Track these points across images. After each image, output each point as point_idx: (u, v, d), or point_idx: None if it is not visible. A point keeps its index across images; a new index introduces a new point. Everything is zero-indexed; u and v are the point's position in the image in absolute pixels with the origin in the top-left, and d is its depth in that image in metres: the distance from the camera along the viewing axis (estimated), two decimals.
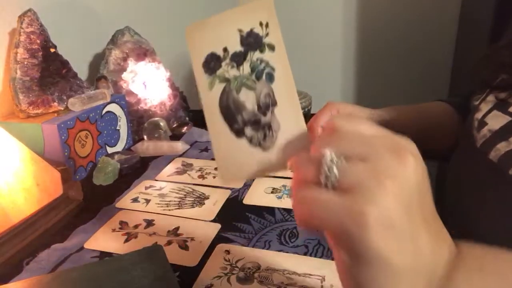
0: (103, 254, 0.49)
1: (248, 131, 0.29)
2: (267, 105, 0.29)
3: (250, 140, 0.29)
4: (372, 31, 1.43)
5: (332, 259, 0.47)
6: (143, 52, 0.87)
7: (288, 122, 0.29)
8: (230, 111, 0.29)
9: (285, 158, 0.28)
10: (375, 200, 0.21)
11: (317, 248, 0.49)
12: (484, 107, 0.48)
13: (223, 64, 0.29)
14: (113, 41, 0.84)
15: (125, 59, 0.84)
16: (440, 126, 0.65)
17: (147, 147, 0.78)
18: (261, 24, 0.29)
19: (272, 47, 0.29)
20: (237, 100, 0.29)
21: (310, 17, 1.49)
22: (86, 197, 0.62)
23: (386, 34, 1.42)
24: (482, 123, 0.47)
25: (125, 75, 0.84)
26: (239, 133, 0.29)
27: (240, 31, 0.29)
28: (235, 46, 0.29)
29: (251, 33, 0.29)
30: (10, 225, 0.49)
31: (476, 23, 1.18)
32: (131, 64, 0.85)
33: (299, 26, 1.49)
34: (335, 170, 0.22)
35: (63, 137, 0.65)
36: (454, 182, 0.53)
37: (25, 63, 0.67)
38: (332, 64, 1.52)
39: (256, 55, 0.29)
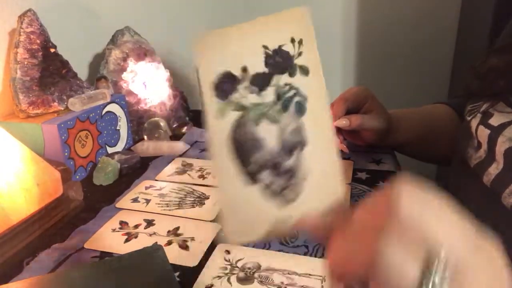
0: (103, 254, 0.49)
1: (265, 176, 0.23)
2: (294, 144, 0.23)
3: (267, 188, 0.23)
4: (372, 31, 1.44)
5: None
6: (143, 52, 0.87)
7: (320, 169, 0.23)
8: (244, 148, 0.23)
9: (313, 219, 0.22)
10: None
11: (317, 248, 0.49)
12: (474, 122, 0.46)
13: (240, 87, 0.23)
14: (113, 41, 0.84)
15: (125, 59, 0.84)
16: (442, 130, 0.64)
17: (147, 147, 0.78)
18: (293, 40, 0.23)
19: (305, 70, 0.23)
20: (255, 134, 0.23)
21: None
22: (86, 197, 0.62)
23: (386, 34, 1.42)
24: (471, 141, 0.46)
25: (125, 75, 0.84)
26: (252, 177, 0.23)
27: (265, 47, 0.23)
28: (258, 66, 0.23)
29: (279, 50, 0.23)
30: (10, 225, 0.49)
31: (476, 23, 1.19)
32: (131, 64, 0.85)
33: None
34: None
35: (63, 137, 0.65)
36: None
37: (25, 63, 0.67)
38: (332, 64, 1.52)
39: (284, 79, 0.23)
